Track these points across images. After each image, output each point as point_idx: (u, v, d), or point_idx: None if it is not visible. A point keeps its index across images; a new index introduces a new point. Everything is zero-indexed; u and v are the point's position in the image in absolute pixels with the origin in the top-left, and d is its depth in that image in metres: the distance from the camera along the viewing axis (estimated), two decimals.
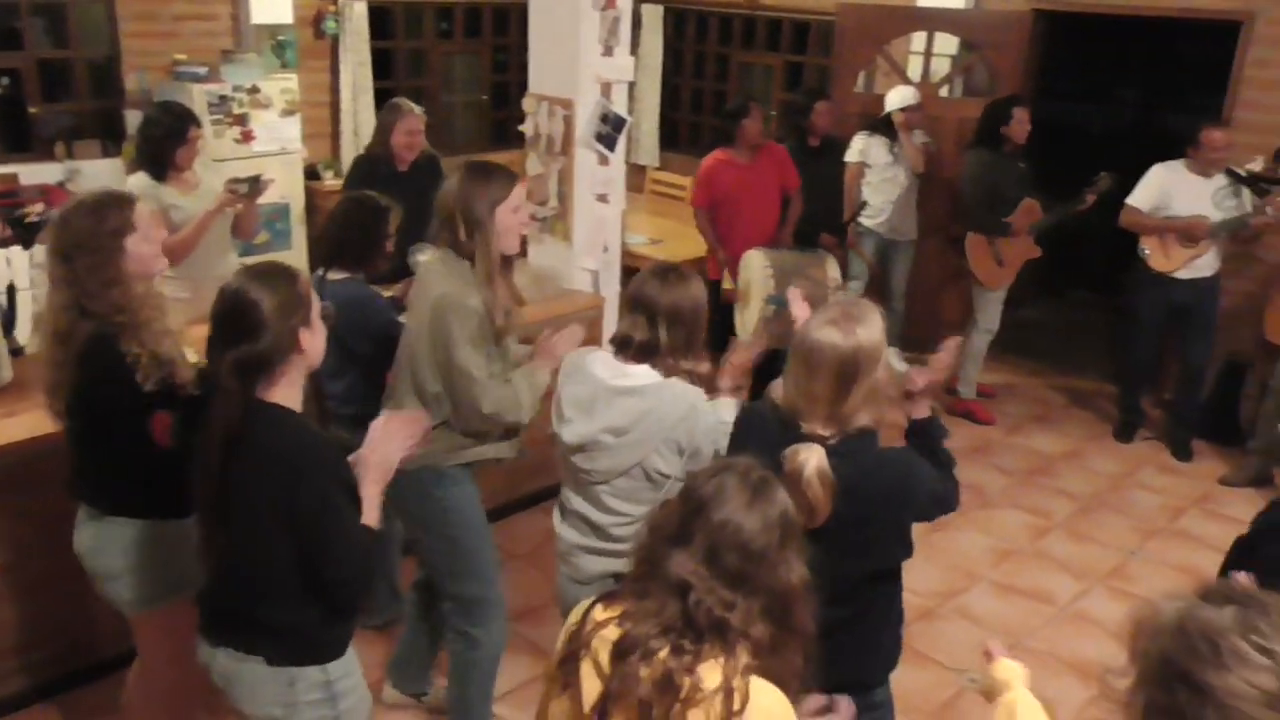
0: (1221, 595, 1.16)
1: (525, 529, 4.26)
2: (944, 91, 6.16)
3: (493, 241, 2.62)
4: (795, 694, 1.61)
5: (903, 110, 5.52)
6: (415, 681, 3.26)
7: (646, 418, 2.35)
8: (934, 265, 6.02)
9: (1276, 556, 2.02)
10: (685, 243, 6.23)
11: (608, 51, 4.31)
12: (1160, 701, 1.13)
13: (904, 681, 3.31)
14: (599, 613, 1.62)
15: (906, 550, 2.18)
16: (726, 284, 4.92)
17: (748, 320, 4.30)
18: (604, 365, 2.43)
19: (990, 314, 5.48)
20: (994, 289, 5.42)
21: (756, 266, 4.60)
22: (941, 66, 6.21)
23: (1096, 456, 5.32)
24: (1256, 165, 5.14)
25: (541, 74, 4.45)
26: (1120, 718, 1.19)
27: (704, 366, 2.42)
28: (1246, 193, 4.89)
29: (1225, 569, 2.21)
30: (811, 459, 1.97)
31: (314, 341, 2.05)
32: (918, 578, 4.08)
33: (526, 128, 4.58)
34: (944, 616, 3.97)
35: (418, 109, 4.49)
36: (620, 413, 2.37)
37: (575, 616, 1.67)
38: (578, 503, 2.51)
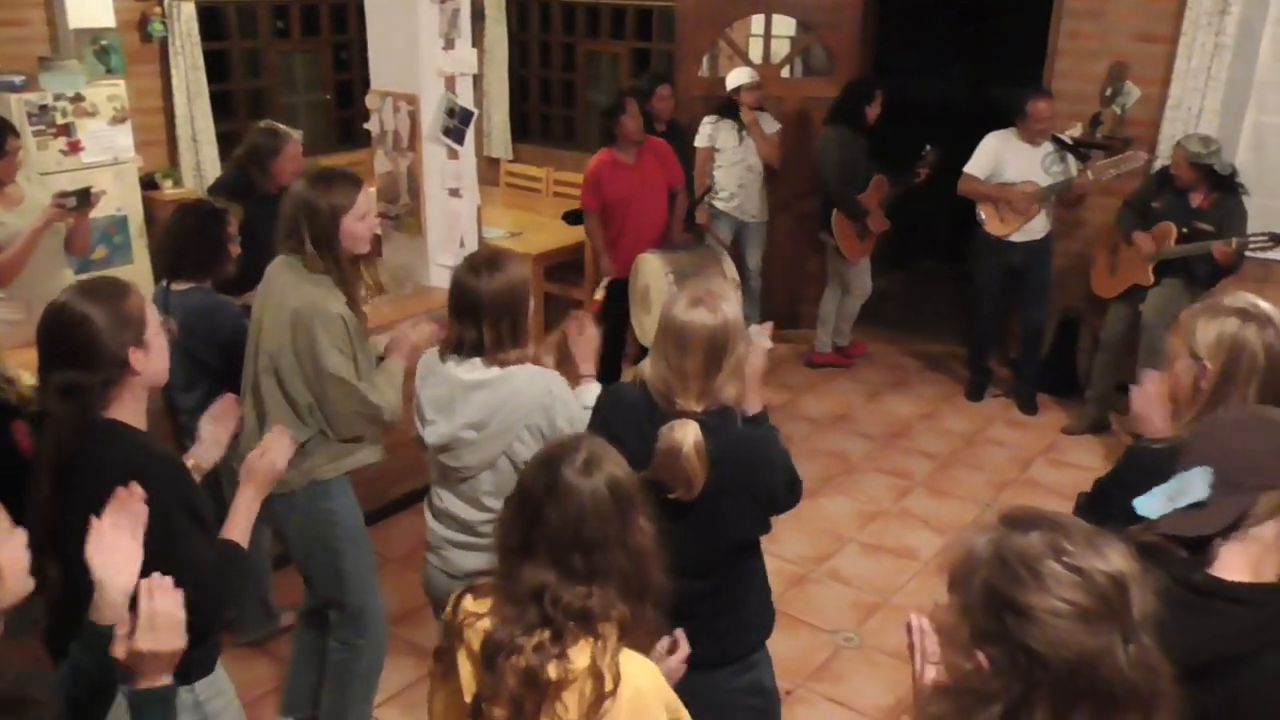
0: (1024, 521, 1.24)
1: (398, 532, 4.20)
2: (785, 73, 6.31)
3: (340, 250, 2.60)
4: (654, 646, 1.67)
5: (743, 89, 5.61)
6: (305, 706, 3.19)
7: (503, 408, 2.37)
8: (787, 243, 6.19)
9: (1128, 507, 2.12)
10: (544, 234, 6.23)
11: (449, 45, 4.27)
12: (988, 628, 1.19)
13: (781, 646, 3.41)
14: (470, 604, 1.64)
15: (764, 524, 2.25)
16: (599, 294, 4.98)
17: (648, 326, 4.34)
18: (456, 363, 2.43)
19: (863, 281, 5.82)
20: (855, 259, 5.69)
21: (656, 271, 4.64)
22: (782, 48, 6.37)
23: (950, 416, 5.58)
24: (1076, 131, 5.46)
25: (383, 70, 4.38)
26: (945, 644, 1.27)
27: (531, 352, 2.43)
28: (1071, 158, 5.19)
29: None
30: (689, 434, 2.02)
31: (149, 361, 1.94)
32: (788, 546, 4.21)
33: (371, 125, 4.50)
34: (816, 580, 4.10)
35: (295, 133, 4.34)
36: (477, 407, 2.38)
37: (448, 610, 1.69)
38: (448, 501, 2.51)
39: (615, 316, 4.98)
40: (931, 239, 7.64)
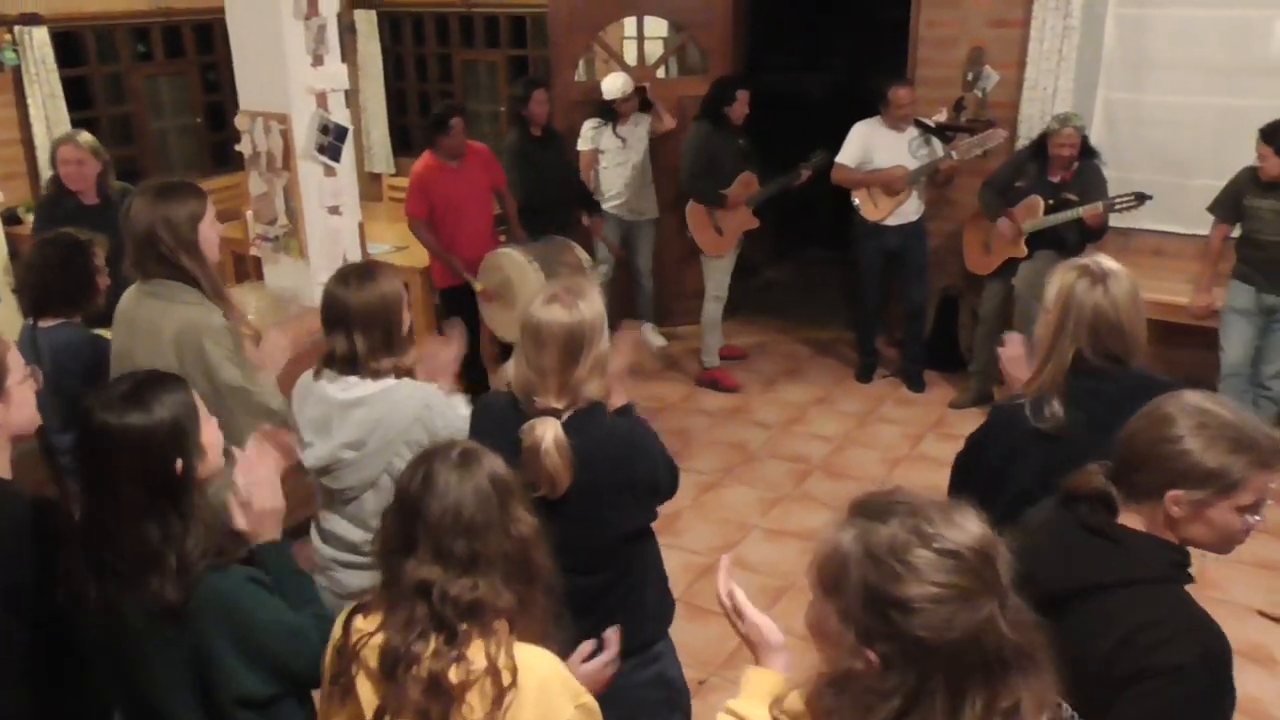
0: (879, 509, 1.25)
1: None
2: (660, 73, 6.39)
3: (205, 256, 2.56)
4: (554, 637, 1.68)
5: (618, 101, 5.69)
6: None
7: (380, 425, 2.36)
8: (677, 241, 6.26)
9: (996, 465, 2.23)
10: None
11: (318, 61, 4.20)
12: (873, 626, 1.19)
13: (692, 637, 3.48)
14: (360, 623, 1.63)
15: (649, 513, 2.28)
16: (479, 285, 4.95)
17: (510, 321, 4.34)
18: (331, 382, 2.41)
19: (718, 281, 5.71)
20: (714, 256, 5.66)
21: (519, 263, 4.64)
22: (656, 49, 6.44)
23: (843, 399, 5.72)
24: (941, 116, 5.67)
25: (251, 90, 4.29)
26: (827, 645, 1.27)
27: (410, 359, 2.42)
28: (936, 140, 5.38)
29: (952, 485, 2.43)
30: (548, 431, 2.04)
31: (11, 412, 1.88)
32: (694, 538, 4.27)
33: (243, 147, 4.41)
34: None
35: (82, 136, 4.24)
36: (354, 426, 2.37)
37: (338, 631, 1.67)
38: (334, 522, 2.49)
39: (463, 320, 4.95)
40: (816, 227, 7.82)
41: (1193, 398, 1.63)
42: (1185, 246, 5.03)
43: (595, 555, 2.17)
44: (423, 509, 1.58)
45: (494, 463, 1.65)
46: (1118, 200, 4.77)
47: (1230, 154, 4.53)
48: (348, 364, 2.38)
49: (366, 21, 7.69)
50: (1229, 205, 4.49)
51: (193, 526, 1.74)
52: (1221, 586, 3.92)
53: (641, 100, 5.82)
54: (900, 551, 1.19)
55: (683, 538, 4.26)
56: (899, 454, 5.08)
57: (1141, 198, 4.75)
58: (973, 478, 2.27)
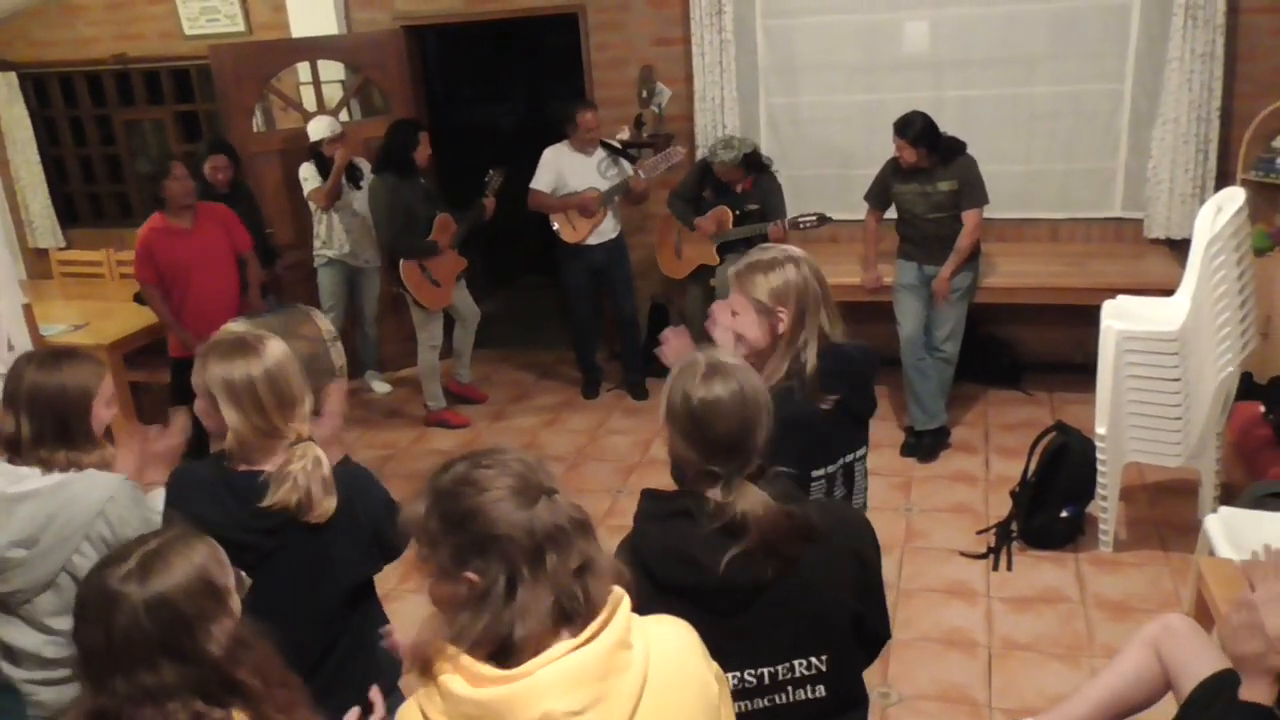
0: (444, 465, 1.44)
1: None
2: (344, 115, 6.25)
3: None
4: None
5: (324, 142, 5.54)
6: None
7: (55, 519, 2.16)
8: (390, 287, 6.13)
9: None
10: (115, 320, 5.70)
11: None
12: (460, 543, 1.36)
13: None
14: None
15: (373, 564, 2.23)
16: None
17: None
18: (0, 475, 2.20)
19: (432, 330, 5.60)
20: (438, 309, 5.56)
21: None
22: (335, 93, 6.30)
23: (572, 417, 5.81)
24: (624, 134, 5.90)
25: None
26: (440, 590, 1.40)
27: (94, 456, 2.25)
28: (623, 160, 5.59)
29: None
30: (309, 451, 2.04)
31: None
32: None
33: None
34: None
35: None
36: (24, 521, 2.16)
37: None
38: (8, 632, 2.24)
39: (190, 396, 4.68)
40: (526, 254, 7.91)
41: None
42: (855, 231, 5.50)
43: (316, 613, 2.09)
44: (79, 633, 1.45)
45: (173, 575, 1.47)
46: (801, 219, 5.20)
47: (878, 144, 5.00)
48: (12, 449, 2.21)
49: (6, 85, 7.01)
50: (877, 193, 4.97)
51: None
52: (926, 535, 4.31)
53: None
54: (461, 479, 1.39)
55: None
56: (631, 462, 5.23)
57: (823, 219, 5.20)
58: None
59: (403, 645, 1.58)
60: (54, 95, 7.22)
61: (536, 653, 1.31)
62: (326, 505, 2.04)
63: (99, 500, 2.20)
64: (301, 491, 2.00)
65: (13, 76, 7.01)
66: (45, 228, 7.28)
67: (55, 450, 2.20)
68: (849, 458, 2.34)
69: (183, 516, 1.88)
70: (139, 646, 1.42)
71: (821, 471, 2.26)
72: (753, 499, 1.67)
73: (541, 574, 1.33)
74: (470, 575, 1.34)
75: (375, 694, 1.84)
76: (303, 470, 2.01)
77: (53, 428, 2.19)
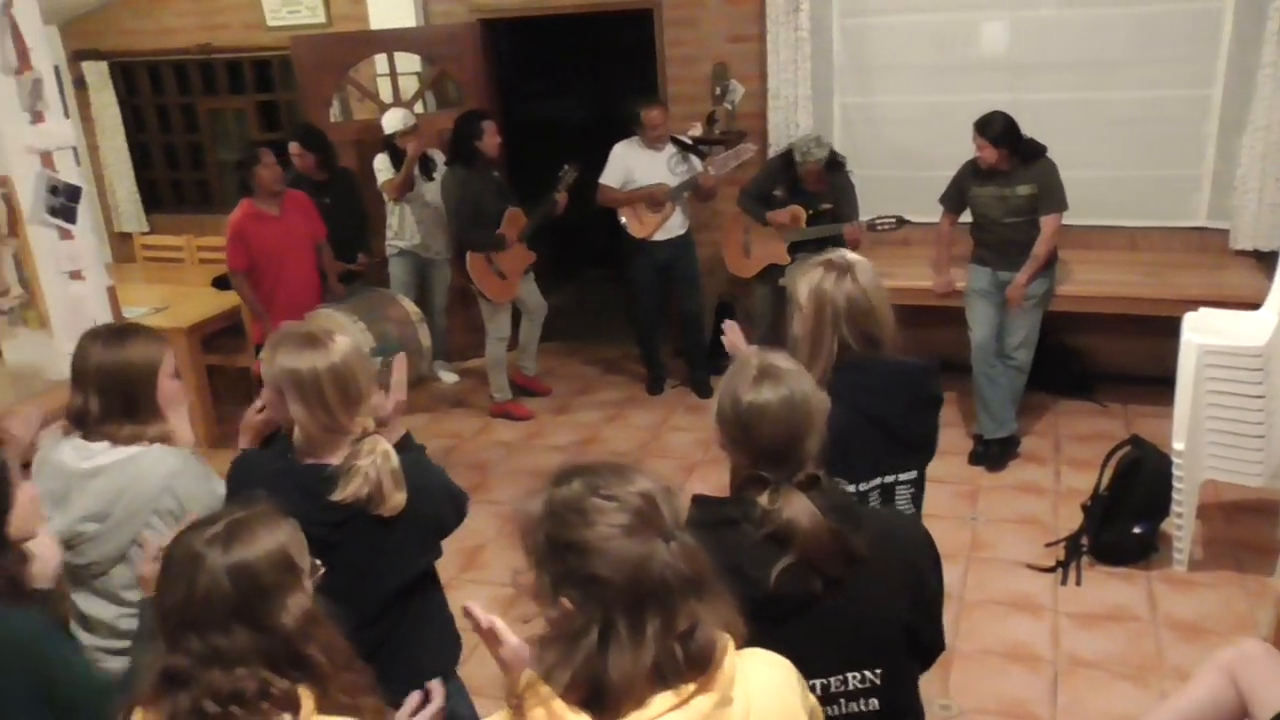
0: (566, 474, 1.39)
1: None
2: (419, 108, 6.33)
3: None
4: (364, 707, 1.61)
5: (398, 135, 5.59)
6: None
7: (125, 493, 2.22)
8: (460, 278, 6.19)
9: None
10: (194, 304, 5.86)
11: (38, 118, 3.92)
12: (559, 573, 1.32)
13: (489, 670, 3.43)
14: (139, 718, 1.52)
15: (434, 552, 2.26)
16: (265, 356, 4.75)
17: None
18: (73, 451, 2.27)
19: (500, 322, 5.64)
20: (503, 302, 5.60)
21: (342, 324, 4.42)
22: (410, 84, 6.38)
23: (635, 413, 5.82)
24: (696, 130, 5.89)
25: None
26: (535, 605, 1.37)
27: (155, 429, 2.30)
28: (693, 157, 5.58)
29: None
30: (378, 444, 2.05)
31: None
32: (502, 570, 4.22)
33: None
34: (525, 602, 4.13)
35: None
36: (94, 497, 2.22)
37: None
38: (83, 603, 2.31)
39: None
40: (593, 248, 7.94)
41: None
42: (928, 234, 5.40)
43: (374, 605, 2.12)
44: (162, 591, 1.49)
45: (256, 546, 1.50)
46: (879, 221, 5.13)
47: (954, 146, 4.91)
48: (81, 424, 2.26)
49: (97, 73, 7.23)
50: (953, 195, 4.88)
51: None
52: (991, 546, 4.23)
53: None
54: (573, 503, 1.33)
55: (488, 571, 4.21)
56: (693, 460, 5.22)
57: (901, 222, 5.14)
58: None
59: (506, 659, 1.54)
60: (141, 84, 7.43)
61: (634, 703, 1.27)
62: (398, 499, 2.06)
63: (165, 475, 2.25)
64: (373, 485, 2.02)
65: (103, 65, 7.22)
66: (130, 212, 7.50)
67: (121, 425, 2.25)
68: (889, 479, 2.29)
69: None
70: (216, 608, 1.45)
71: (852, 488, 2.20)
72: (799, 508, 1.64)
73: (639, 631, 1.28)
74: (564, 603, 1.31)
75: (435, 685, 1.86)
76: (372, 464, 2.03)
77: (120, 403, 2.24)
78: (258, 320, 4.95)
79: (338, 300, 4.79)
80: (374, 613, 2.12)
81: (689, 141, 5.65)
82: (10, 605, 1.64)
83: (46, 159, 3.96)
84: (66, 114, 4.10)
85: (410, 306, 4.57)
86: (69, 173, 4.04)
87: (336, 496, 2.01)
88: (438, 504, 2.21)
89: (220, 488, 2.28)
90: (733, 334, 2.55)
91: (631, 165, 5.50)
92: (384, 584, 2.14)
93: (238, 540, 1.49)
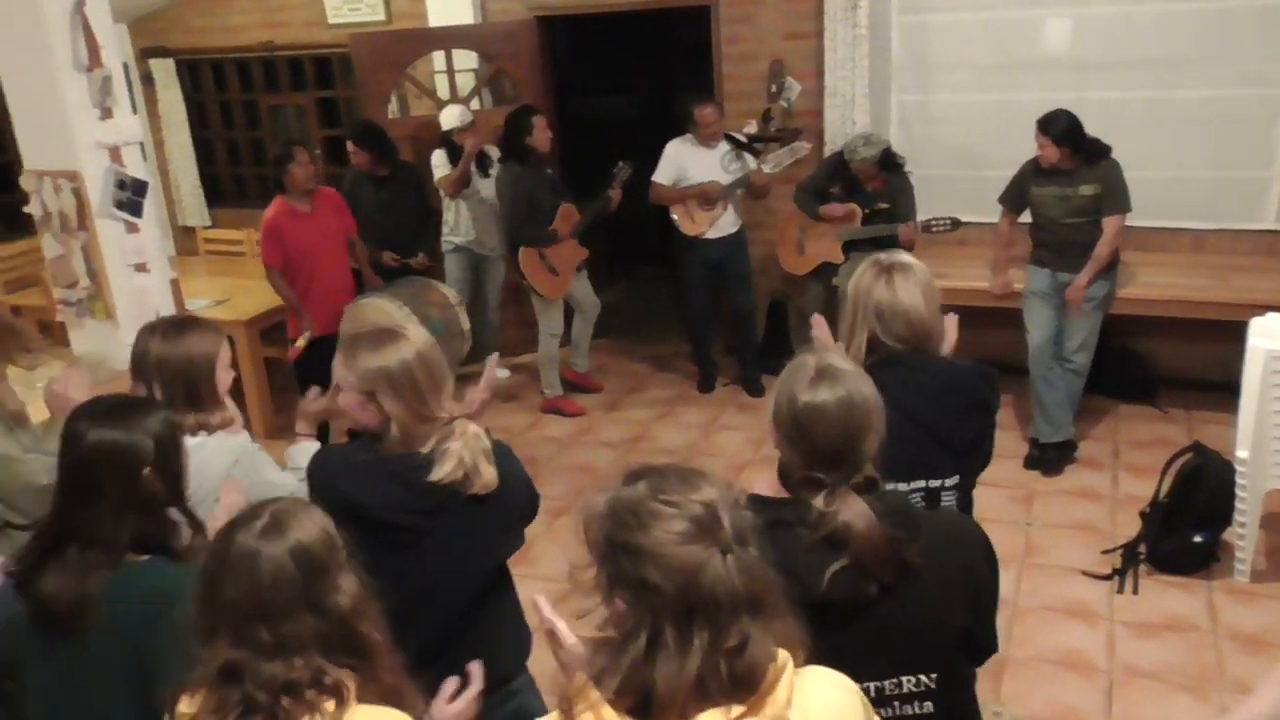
0: (634, 474, 1.38)
1: None
2: (475, 104, 6.38)
3: None
4: (406, 693, 1.62)
5: (455, 132, 5.64)
6: None
7: (191, 482, 2.26)
8: (511, 274, 6.23)
9: None
10: (253, 298, 5.97)
11: (107, 114, 4.03)
12: (614, 574, 1.32)
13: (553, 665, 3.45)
14: (185, 705, 1.54)
15: (518, 540, 2.29)
16: (300, 342, 4.83)
17: None
18: None
19: (552, 319, 5.67)
20: (555, 298, 5.62)
21: (386, 310, 4.49)
22: (467, 81, 6.43)
23: (686, 411, 5.81)
24: (751, 128, 5.86)
25: (34, 148, 4.08)
26: (593, 599, 1.37)
27: (218, 418, 2.35)
28: (747, 154, 5.55)
29: None
30: (469, 427, 2.10)
31: None
32: (547, 565, 4.24)
33: (33, 208, 4.18)
34: (579, 598, 4.15)
35: None
36: None
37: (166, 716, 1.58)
38: None
39: (315, 374, 4.85)
40: (645, 246, 7.94)
41: None
42: (985, 234, 5.33)
43: (461, 599, 2.15)
44: (221, 588, 1.50)
45: (304, 532, 1.53)
46: (934, 222, 5.08)
47: (1014, 145, 4.83)
48: None
49: (164, 70, 7.39)
50: (1013, 195, 4.80)
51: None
52: (1046, 551, 4.16)
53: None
54: (634, 505, 1.32)
55: (538, 565, 4.23)
56: (743, 459, 5.20)
57: (957, 223, 5.08)
58: None
59: (565, 661, 1.55)
60: (205, 80, 7.58)
61: (682, 715, 1.25)
62: (490, 474, 2.09)
63: (227, 463, 2.30)
64: (467, 466, 2.06)
65: (170, 62, 7.38)
66: (193, 207, 7.66)
67: (185, 415, 2.29)
68: (934, 483, 2.26)
69: (338, 500, 1.92)
70: (283, 593, 1.48)
71: (890, 487, 2.18)
72: (856, 511, 1.61)
73: (687, 642, 1.25)
74: (618, 603, 1.31)
75: (475, 668, 1.87)
76: (464, 446, 2.06)
77: (183, 393, 2.30)
78: (294, 315, 5.03)
79: (381, 290, 4.85)
80: (465, 603, 2.15)
81: (743, 139, 5.62)
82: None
83: (115, 154, 4.07)
84: (134, 110, 4.20)
85: (449, 291, 4.63)
86: (136, 168, 4.15)
87: (434, 478, 2.04)
88: (522, 490, 2.24)
89: (278, 477, 2.33)
90: (820, 330, 2.56)
91: (684, 163, 5.49)
92: (471, 571, 2.17)
93: (288, 527, 1.53)
